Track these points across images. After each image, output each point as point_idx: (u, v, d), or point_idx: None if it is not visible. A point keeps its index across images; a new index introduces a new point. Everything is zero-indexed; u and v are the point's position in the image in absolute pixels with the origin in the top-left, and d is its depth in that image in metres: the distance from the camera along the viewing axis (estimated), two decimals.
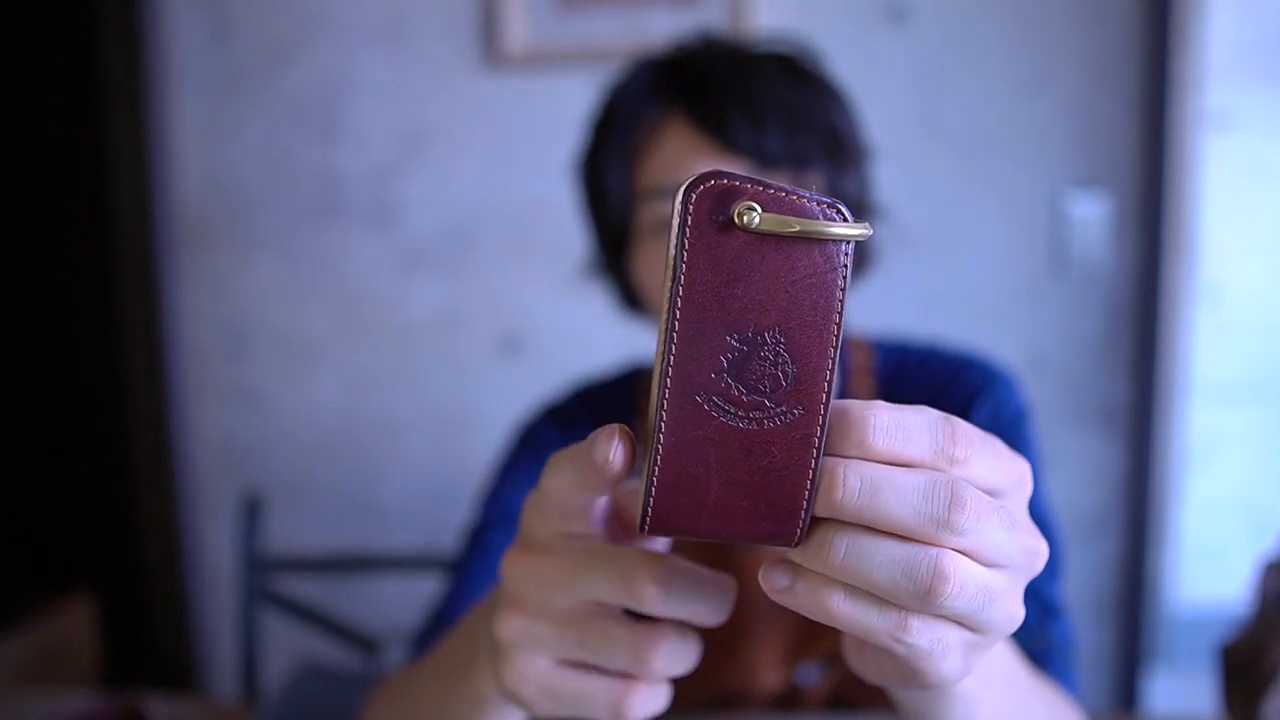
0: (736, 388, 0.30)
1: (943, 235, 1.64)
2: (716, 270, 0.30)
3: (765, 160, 0.73)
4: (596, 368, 1.00)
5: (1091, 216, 1.61)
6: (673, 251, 0.30)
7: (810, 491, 0.31)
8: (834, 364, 0.30)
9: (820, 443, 0.31)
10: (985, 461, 0.34)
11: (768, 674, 0.82)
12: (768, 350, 0.30)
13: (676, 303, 0.30)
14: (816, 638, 0.80)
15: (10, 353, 2.48)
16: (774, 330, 0.30)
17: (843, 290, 0.30)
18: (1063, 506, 1.55)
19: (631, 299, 0.88)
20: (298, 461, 1.83)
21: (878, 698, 0.83)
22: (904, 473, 0.32)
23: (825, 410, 0.31)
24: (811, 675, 0.82)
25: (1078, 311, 1.64)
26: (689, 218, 0.30)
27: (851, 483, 0.31)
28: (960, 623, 0.34)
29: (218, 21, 1.74)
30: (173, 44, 1.76)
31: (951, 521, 0.31)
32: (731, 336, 0.30)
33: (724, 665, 0.82)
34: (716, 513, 0.32)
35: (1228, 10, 1.47)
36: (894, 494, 0.31)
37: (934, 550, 0.31)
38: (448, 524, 1.65)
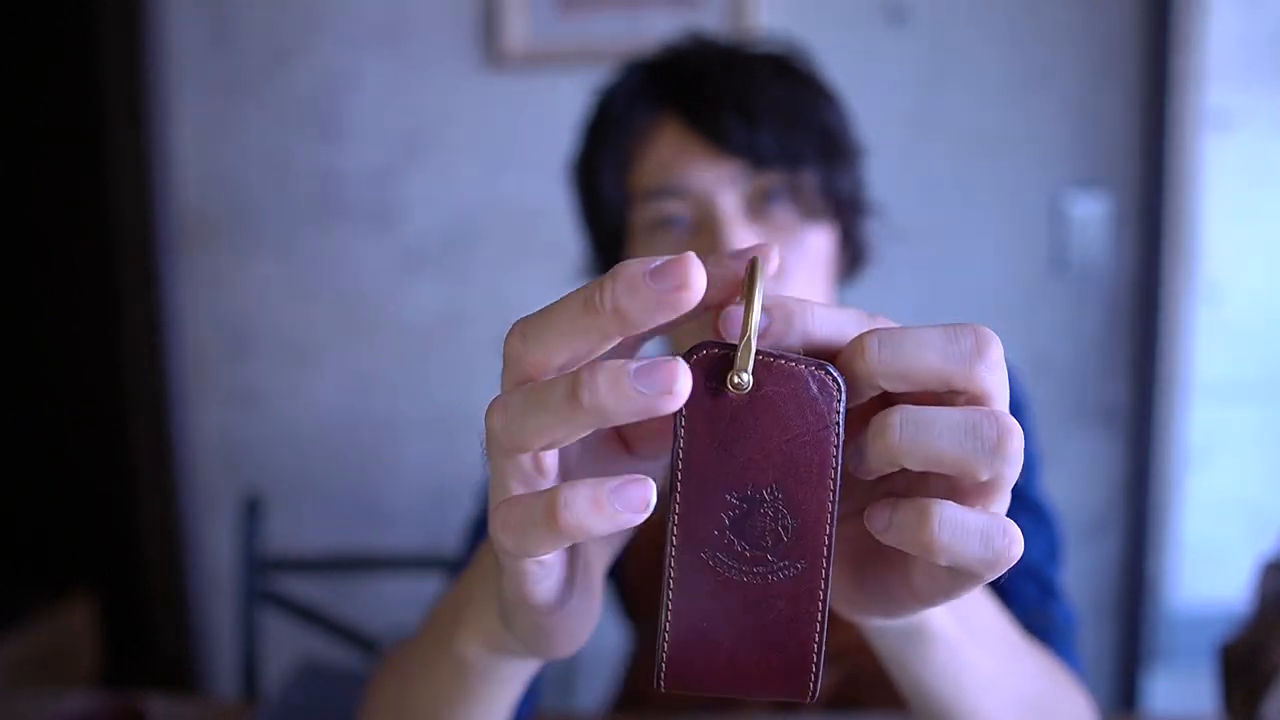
0: (740, 544, 0.31)
1: (943, 235, 1.64)
2: (713, 434, 0.31)
3: (759, 160, 0.72)
4: None
5: (1091, 216, 1.61)
6: (674, 417, 0.31)
7: (819, 643, 0.32)
8: (833, 517, 0.31)
9: (825, 595, 0.32)
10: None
11: None
12: (767, 507, 0.31)
13: (678, 466, 0.31)
14: None
15: (10, 352, 2.48)
16: (772, 488, 0.31)
17: (837, 446, 0.31)
18: (1063, 506, 1.54)
19: None
20: (298, 461, 1.83)
21: (880, 698, 0.83)
22: (920, 329, 0.31)
23: (827, 563, 0.31)
24: None
25: (1078, 311, 1.64)
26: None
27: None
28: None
29: (218, 22, 1.74)
30: (173, 44, 1.76)
31: (981, 352, 0.31)
32: (731, 495, 0.31)
33: None
34: (730, 668, 0.32)
35: (1228, 10, 1.47)
36: (914, 344, 0.31)
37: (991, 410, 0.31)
38: (448, 524, 1.65)
